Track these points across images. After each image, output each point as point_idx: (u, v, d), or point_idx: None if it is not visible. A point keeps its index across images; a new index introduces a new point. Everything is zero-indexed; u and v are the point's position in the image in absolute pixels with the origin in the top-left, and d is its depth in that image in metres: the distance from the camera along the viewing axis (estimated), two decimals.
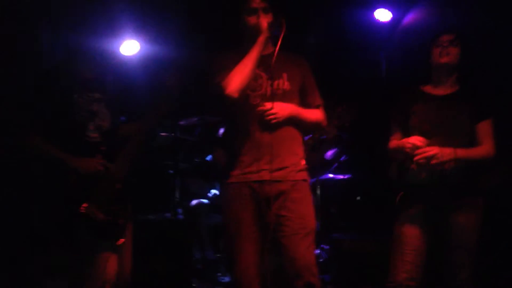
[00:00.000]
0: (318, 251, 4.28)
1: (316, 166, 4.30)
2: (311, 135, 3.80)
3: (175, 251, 3.53)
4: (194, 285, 3.71)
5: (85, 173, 2.31)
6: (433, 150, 2.43)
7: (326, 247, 4.31)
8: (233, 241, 2.39)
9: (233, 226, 2.40)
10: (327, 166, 4.56)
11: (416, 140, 2.48)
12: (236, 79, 2.35)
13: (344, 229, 4.36)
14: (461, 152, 2.47)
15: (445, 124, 2.54)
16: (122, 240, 2.37)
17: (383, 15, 4.48)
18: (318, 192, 4.35)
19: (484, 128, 2.57)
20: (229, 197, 2.45)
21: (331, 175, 4.55)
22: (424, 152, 2.44)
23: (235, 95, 2.36)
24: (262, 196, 2.38)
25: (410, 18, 4.56)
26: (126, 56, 4.23)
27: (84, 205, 2.28)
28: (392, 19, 4.50)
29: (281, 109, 2.39)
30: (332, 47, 4.99)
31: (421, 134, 2.53)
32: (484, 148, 2.55)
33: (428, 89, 2.68)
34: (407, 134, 2.61)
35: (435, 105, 2.59)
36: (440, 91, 2.65)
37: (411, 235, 2.52)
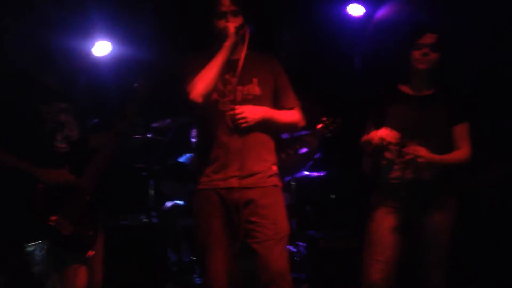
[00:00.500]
0: (294, 249, 4.29)
1: (292, 164, 4.30)
2: (292, 142, 3.81)
3: (149, 255, 3.50)
4: None
5: (53, 184, 2.27)
6: (421, 151, 2.42)
7: (302, 244, 4.33)
8: (203, 248, 2.38)
9: (202, 234, 2.39)
10: (302, 163, 4.56)
11: (384, 133, 2.46)
12: (200, 84, 2.33)
13: (319, 226, 4.37)
14: (439, 158, 2.48)
15: (422, 127, 2.53)
16: (92, 252, 2.33)
17: (355, 10, 4.48)
18: (294, 189, 4.34)
19: (461, 131, 2.58)
20: (198, 203, 2.44)
21: (306, 173, 4.55)
22: (415, 151, 2.41)
23: (199, 100, 2.33)
24: (230, 203, 2.37)
25: (382, 12, 4.57)
26: (98, 57, 4.18)
27: (53, 217, 2.24)
28: (365, 13, 4.50)
29: (252, 112, 2.37)
30: (305, 43, 4.98)
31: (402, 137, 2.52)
32: (461, 153, 2.56)
33: (406, 89, 2.65)
34: None
35: (412, 107, 2.57)
36: (417, 91, 2.63)
37: (384, 234, 2.52)
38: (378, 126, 2.58)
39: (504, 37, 3.71)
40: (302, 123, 2.56)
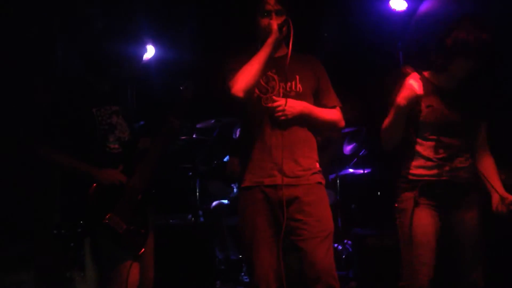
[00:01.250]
0: (340, 247, 4.28)
1: (331, 163, 4.29)
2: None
3: (197, 254, 3.56)
4: (217, 286, 3.75)
5: (108, 184, 2.36)
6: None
7: (349, 242, 4.31)
8: (249, 246, 2.40)
9: (248, 231, 2.41)
10: (347, 161, 4.55)
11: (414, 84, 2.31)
12: (242, 79, 2.35)
13: (365, 224, 4.33)
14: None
15: (459, 122, 2.45)
16: (143, 249, 2.41)
17: (398, 4, 4.43)
18: (338, 187, 4.33)
19: (484, 131, 2.52)
20: (244, 202, 2.46)
21: (351, 170, 4.53)
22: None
23: (240, 94, 2.35)
24: (275, 201, 2.38)
25: (425, 6, 4.49)
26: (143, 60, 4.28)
27: (108, 215, 2.33)
28: (408, 8, 4.44)
29: (292, 105, 2.38)
30: (349, 39, 4.95)
31: (436, 131, 2.43)
32: (489, 155, 2.51)
33: (433, 79, 2.49)
34: (414, 129, 2.45)
35: (447, 101, 2.46)
36: (444, 83, 2.48)
37: (425, 233, 2.41)
38: (406, 119, 2.43)
39: None
40: (342, 123, 2.55)
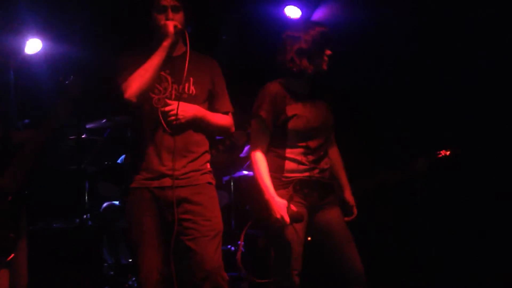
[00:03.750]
0: (233, 248, 4.30)
1: (228, 165, 4.31)
2: (221, 140, 3.80)
3: (83, 259, 3.40)
4: None
5: None
6: None
7: (242, 243, 4.34)
8: (136, 247, 2.36)
9: (135, 232, 2.36)
10: (241, 163, 4.58)
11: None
12: (135, 84, 2.29)
13: (259, 225, 4.38)
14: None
15: (323, 125, 2.59)
16: (13, 255, 2.25)
17: (292, 12, 4.54)
18: (232, 189, 4.35)
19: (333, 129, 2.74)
20: (131, 202, 2.41)
21: (245, 172, 4.57)
22: None
23: (133, 100, 2.31)
24: (163, 201, 2.35)
25: (318, 14, 4.66)
26: (29, 54, 4.04)
27: None
28: (302, 15, 4.57)
29: (184, 109, 2.35)
30: (245, 44, 5.01)
31: (305, 138, 2.53)
32: (338, 153, 2.78)
33: (290, 85, 2.58)
34: (282, 138, 2.54)
35: (307, 106, 2.56)
36: (300, 88, 2.59)
37: (297, 231, 2.46)
38: (270, 129, 2.54)
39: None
40: (232, 129, 2.58)
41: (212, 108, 2.50)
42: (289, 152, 2.54)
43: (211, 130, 2.50)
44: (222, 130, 2.54)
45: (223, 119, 2.51)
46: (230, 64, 3.77)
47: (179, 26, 2.36)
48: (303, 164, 2.52)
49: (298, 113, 2.52)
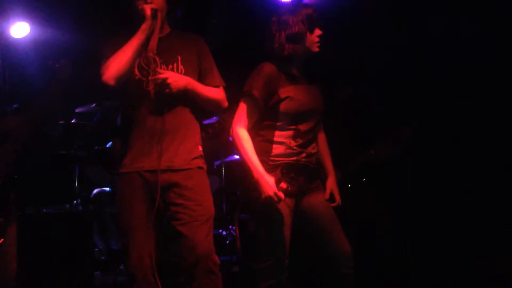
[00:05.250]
0: (225, 233, 4.32)
1: (219, 149, 4.31)
2: (211, 122, 3.79)
3: (74, 244, 3.39)
4: (97, 277, 3.60)
5: None
6: None
7: (233, 228, 4.36)
8: (126, 232, 2.33)
9: (125, 217, 2.34)
10: (232, 147, 4.58)
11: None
12: (113, 67, 2.29)
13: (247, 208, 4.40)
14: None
15: (315, 109, 2.56)
16: (1, 240, 2.23)
17: None
18: (223, 174, 4.36)
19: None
20: (121, 187, 2.39)
21: (236, 156, 4.57)
22: None
23: (111, 82, 2.29)
24: (154, 186, 2.33)
25: None
26: (16, 38, 3.99)
27: None
28: None
29: (176, 79, 2.34)
30: (235, 27, 4.98)
31: (295, 121, 2.51)
32: (325, 138, 2.76)
33: (284, 67, 2.52)
34: (272, 120, 2.50)
35: (301, 89, 2.53)
36: (293, 71, 2.55)
37: (282, 215, 2.46)
38: (260, 109, 2.49)
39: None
40: (225, 103, 2.54)
41: (203, 83, 2.48)
42: (278, 136, 2.51)
43: (203, 103, 2.47)
44: (214, 103, 2.51)
45: (215, 92, 2.50)
46: (220, 48, 3.75)
47: (155, 7, 2.34)
48: (290, 148, 2.50)
49: (291, 95, 2.50)
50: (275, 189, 2.34)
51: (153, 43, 2.35)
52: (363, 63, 4.13)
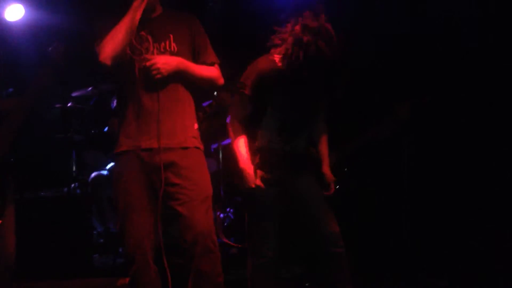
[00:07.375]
0: (222, 215, 4.33)
1: (216, 131, 4.29)
2: (208, 103, 3.75)
3: (73, 227, 3.40)
4: (96, 260, 3.62)
5: None
6: None
7: (231, 210, 4.37)
8: (124, 213, 2.32)
9: (122, 198, 2.33)
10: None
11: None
12: (108, 47, 2.27)
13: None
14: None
15: (307, 106, 2.62)
16: None
17: None
18: (220, 157, 4.35)
19: (324, 107, 2.79)
20: (119, 168, 2.39)
21: None
22: None
23: (108, 62, 2.28)
24: (152, 165, 2.32)
25: None
26: (10, 21, 3.95)
27: None
28: None
29: (166, 62, 2.32)
30: (231, 10, 4.94)
31: (286, 112, 2.57)
32: (325, 128, 2.82)
33: (282, 62, 2.53)
34: (262, 113, 2.58)
35: (296, 84, 2.55)
36: (291, 67, 2.53)
37: (269, 200, 2.56)
38: (253, 104, 2.58)
39: None
40: (221, 80, 2.52)
41: (197, 62, 2.47)
42: (266, 128, 2.60)
43: (197, 82, 2.45)
44: (209, 81, 2.49)
45: (209, 70, 2.48)
46: (217, 31, 3.72)
47: None
48: (276, 141, 2.59)
49: (284, 92, 2.54)
50: (255, 180, 2.52)
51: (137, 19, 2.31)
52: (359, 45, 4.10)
